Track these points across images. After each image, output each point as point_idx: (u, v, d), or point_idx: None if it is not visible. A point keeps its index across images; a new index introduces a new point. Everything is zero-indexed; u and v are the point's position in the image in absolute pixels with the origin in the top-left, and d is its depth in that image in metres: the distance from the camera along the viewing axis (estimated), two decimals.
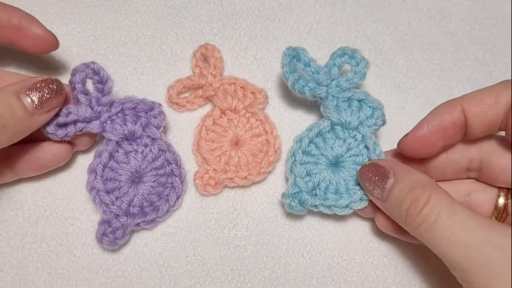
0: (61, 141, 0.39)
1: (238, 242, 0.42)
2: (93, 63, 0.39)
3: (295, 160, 0.40)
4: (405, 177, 0.35)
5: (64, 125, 0.38)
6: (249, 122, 0.43)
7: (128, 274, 0.40)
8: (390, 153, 0.41)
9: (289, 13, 0.49)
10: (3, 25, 0.38)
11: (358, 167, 0.39)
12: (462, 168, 0.39)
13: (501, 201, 0.37)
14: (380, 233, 0.41)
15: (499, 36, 0.49)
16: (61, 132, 0.38)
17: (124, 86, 0.46)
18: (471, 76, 0.48)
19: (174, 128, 0.45)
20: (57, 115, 0.37)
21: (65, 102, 0.38)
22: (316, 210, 0.40)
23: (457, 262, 0.31)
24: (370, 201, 0.39)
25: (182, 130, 0.45)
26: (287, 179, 0.42)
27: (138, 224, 0.39)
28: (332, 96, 0.40)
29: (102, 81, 0.39)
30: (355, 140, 0.40)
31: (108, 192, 0.39)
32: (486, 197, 0.38)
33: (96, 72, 0.38)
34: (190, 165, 0.43)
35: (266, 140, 0.43)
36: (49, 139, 0.38)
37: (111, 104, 0.40)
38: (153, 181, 0.41)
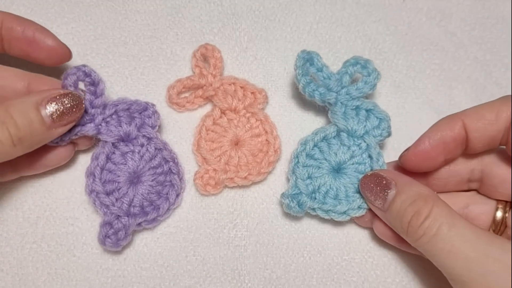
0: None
1: (238, 242, 0.42)
2: (84, 65, 0.39)
3: (298, 162, 0.40)
4: (406, 189, 0.35)
5: None
6: (249, 122, 0.43)
7: (128, 274, 0.40)
8: (392, 165, 0.41)
9: (289, 13, 0.49)
10: (18, 37, 0.38)
11: (360, 175, 0.40)
12: (464, 179, 0.39)
13: (499, 214, 0.38)
14: None
15: (499, 36, 0.49)
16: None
17: (124, 86, 0.46)
18: (471, 76, 0.48)
19: (174, 128, 0.45)
20: None
21: None
22: (314, 213, 0.40)
23: (457, 274, 0.31)
24: (369, 211, 0.39)
25: (182, 130, 0.45)
26: (288, 179, 0.42)
27: (139, 224, 0.39)
28: (341, 103, 0.41)
29: (94, 83, 0.39)
30: (359, 149, 0.41)
31: (107, 194, 0.39)
32: (484, 210, 0.38)
33: (87, 74, 0.39)
34: (190, 165, 0.43)
35: (266, 140, 0.43)
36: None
37: (104, 106, 0.40)
38: (152, 180, 0.41)
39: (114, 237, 0.38)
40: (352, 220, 0.41)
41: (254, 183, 0.43)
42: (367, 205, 0.39)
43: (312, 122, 0.46)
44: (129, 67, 0.46)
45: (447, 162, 0.38)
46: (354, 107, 0.41)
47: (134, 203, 0.40)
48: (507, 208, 0.38)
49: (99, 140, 0.40)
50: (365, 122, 0.41)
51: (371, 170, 0.40)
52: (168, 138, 0.44)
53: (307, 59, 0.42)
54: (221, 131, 0.43)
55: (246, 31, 0.48)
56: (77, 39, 0.47)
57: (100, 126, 0.39)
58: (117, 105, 0.40)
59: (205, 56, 0.45)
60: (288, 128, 0.45)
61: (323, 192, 0.40)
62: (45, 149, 0.39)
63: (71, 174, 0.43)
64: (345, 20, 0.49)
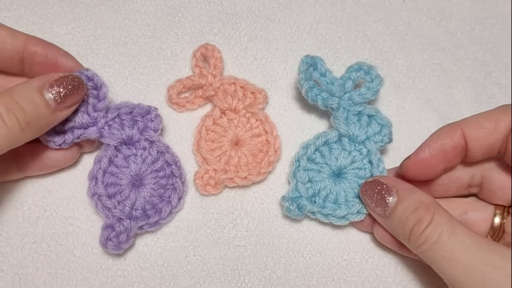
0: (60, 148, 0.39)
1: (238, 242, 0.42)
2: (87, 69, 0.39)
3: (299, 165, 0.41)
4: (408, 196, 0.35)
5: (62, 132, 0.38)
6: (249, 122, 0.43)
7: (128, 274, 0.40)
8: (393, 172, 0.41)
9: (289, 13, 0.49)
10: (41, 62, 0.39)
11: (360, 181, 0.40)
12: (464, 185, 0.40)
13: (497, 220, 0.38)
14: None
15: (499, 36, 0.49)
16: (59, 139, 0.38)
17: (124, 86, 0.46)
18: (471, 76, 0.48)
19: (174, 128, 0.45)
20: None
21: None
22: (313, 217, 0.41)
23: (457, 281, 0.31)
24: (368, 216, 0.40)
25: (182, 130, 0.45)
26: (288, 182, 0.42)
27: (141, 227, 0.39)
28: (343, 108, 0.41)
29: (97, 87, 0.39)
30: (360, 154, 0.41)
31: (109, 197, 0.39)
32: (483, 216, 0.39)
33: (90, 79, 0.39)
34: (190, 165, 0.43)
35: (266, 140, 0.43)
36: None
37: (107, 110, 0.40)
38: (154, 184, 0.41)
39: (116, 240, 0.38)
40: (352, 224, 0.41)
41: (254, 183, 0.43)
42: (367, 210, 0.39)
43: (312, 122, 0.46)
44: (129, 67, 0.46)
45: (447, 170, 0.39)
46: (356, 113, 0.41)
47: (136, 206, 0.40)
48: (505, 214, 0.38)
49: (102, 143, 0.40)
50: (367, 127, 0.41)
51: (371, 175, 0.40)
52: (168, 138, 0.44)
53: (311, 64, 0.42)
54: (221, 131, 0.43)
55: (246, 31, 0.48)
56: (77, 39, 0.47)
57: (102, 130, 0.39)
58: (120, 109, 0.40)
59: (205, 56, 0.45)
60: (288, 128, 0.45)
61: (323, 196, 0.40)
62: (51, 150, 0.39)
63: (71, 174, 0.43)
64: (345, 20, 0.49)
